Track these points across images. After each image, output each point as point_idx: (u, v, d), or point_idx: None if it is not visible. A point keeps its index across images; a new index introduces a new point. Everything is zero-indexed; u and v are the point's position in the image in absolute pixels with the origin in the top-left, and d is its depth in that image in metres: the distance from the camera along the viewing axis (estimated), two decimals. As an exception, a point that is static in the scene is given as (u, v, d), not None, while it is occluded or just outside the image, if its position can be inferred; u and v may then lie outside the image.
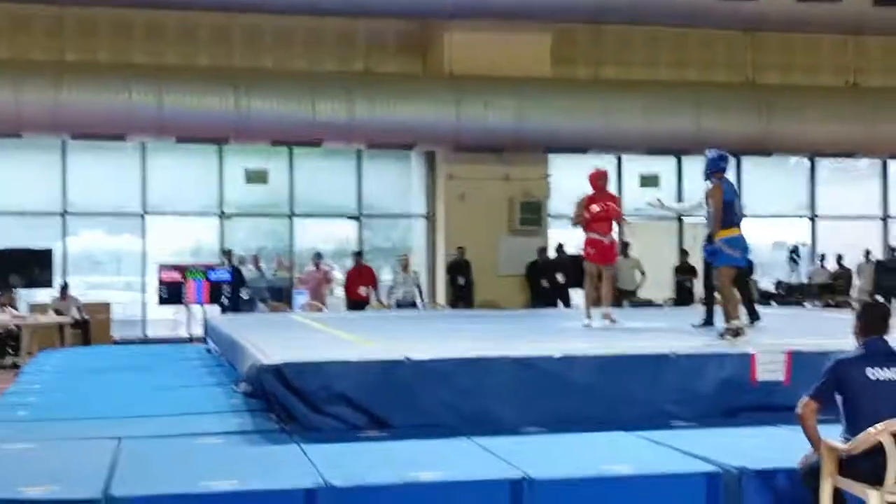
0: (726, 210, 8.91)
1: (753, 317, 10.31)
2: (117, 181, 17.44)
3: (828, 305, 17.21)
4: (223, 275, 16.39)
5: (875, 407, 5.03)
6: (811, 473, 5.23)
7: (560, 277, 16.87)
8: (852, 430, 5.08)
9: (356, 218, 18.13)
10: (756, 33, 17.84)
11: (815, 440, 5.20)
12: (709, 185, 9.09)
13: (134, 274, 17.81)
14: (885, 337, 5.33)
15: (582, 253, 10.54)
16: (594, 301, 10.52)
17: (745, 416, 7.34)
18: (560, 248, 17.27)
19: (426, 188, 17.98)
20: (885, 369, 5.13)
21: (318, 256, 17.14)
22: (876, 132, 17.48)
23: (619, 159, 18.49)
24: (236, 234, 18.11)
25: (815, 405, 5.20)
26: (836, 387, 5.18)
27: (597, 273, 10.42)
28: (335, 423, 6.94)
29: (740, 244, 8.98)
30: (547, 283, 16.76)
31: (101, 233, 18.08)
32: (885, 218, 19.71)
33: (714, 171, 9.10)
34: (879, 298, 5.52)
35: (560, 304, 16.95)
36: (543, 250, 17.14)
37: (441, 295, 17.25)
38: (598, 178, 10.39)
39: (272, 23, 16.86)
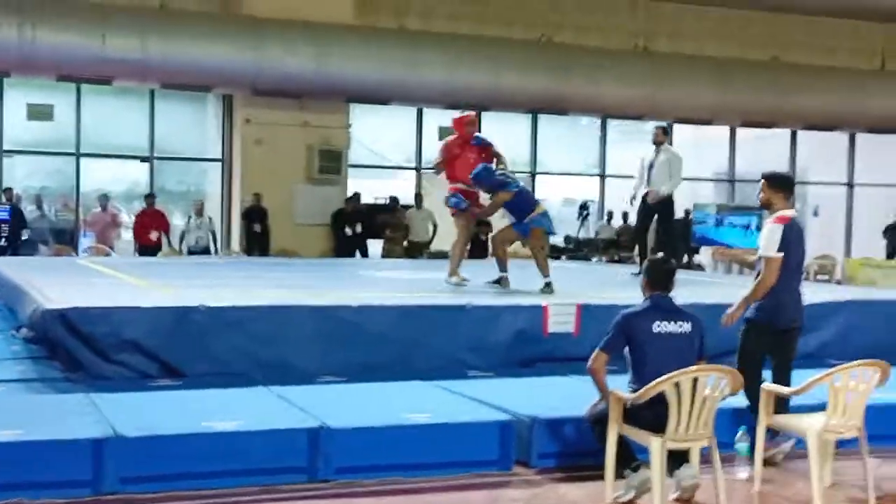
0: (523, 200, 9.17)
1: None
2: None
3: (613, 260, 17.93)
4: (2, 214, 15.49)
5: (660, 358, 5.28)
6: (598, 421, 5.46)
7: (359, 227, 16.88)
8: (638, 379, 5.33)
9: (148, 160, 17.48)
10: (554, -7, 18.26)
11: (604, 391, 5.42)
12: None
13: None
14: (670, 294, 5.59)
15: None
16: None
17: (538, 367, 7.59)
18: (356, 197, 17.26)
19: (222, 132, 17.51)
20: (670, 323, 5.40)
21: (104, 198, 16.47)
22: (662, 96, 18.17)
23: (420, 112, 18.58)
24: (16, 172, 17.13)
25: (605, 357, 5.42)
26: (624, 339, 5.41)
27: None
28: (125, 372, 6.76)
29: (548, 215, 9.42)
30: (350, 231, 16.72)
31: None
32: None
33: (490, 187, 9.14)
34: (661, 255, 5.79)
35: (358, 253, 16.98)
36: (350, 199, 17.07)
37: (236, 242, 16.91)
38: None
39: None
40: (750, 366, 6.03)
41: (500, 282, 9.33)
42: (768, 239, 6.04)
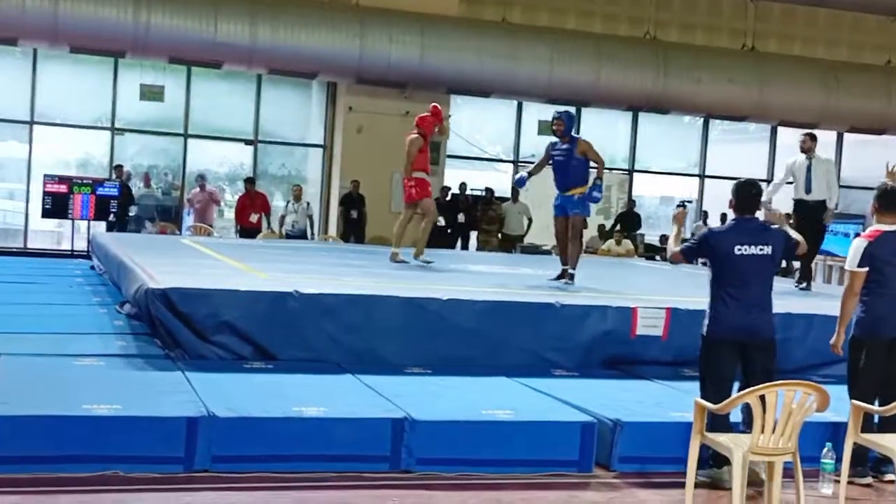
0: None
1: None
2: (5, 86, 16.83)
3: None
4: (111, 190, 15.98)
5: (739, 277, 5.71)
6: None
7: (461, 217, 17.02)
8: (716, 293, 5.79)
9: (252, 143, 17.88)
10: (661, -10, 18.07)
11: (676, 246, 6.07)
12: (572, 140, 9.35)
13: (18, 182, 17.29)
14: (756, 215, 5.89)
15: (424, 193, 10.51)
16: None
17: (622, 368, 7.58)
18: (463, 186, 17.44)
19: (325, 118, 17.81)
20: (752, 246, 5.70)
21: (201, 178, 16.87)
22: (768, 97, 17.88)
23: (520, 105, 18.60)
24: (127, 150, 17.69)
25: (681, 258, 6.09)
26: (702, 253, 5.89)
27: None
28: (221, 353, 6.94)
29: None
30: (444, 222, 16.86)
31: (-14, 138, 17.49)
32: (770, 181, 20.28)
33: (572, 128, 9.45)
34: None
35: (459, 243, 17.17)
36: (446, 189, 17.22)
37: (333, 227, 17.19)
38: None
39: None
40: (860, 386, 5.98)
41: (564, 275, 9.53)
42: (851, 254, 6.07)
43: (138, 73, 16.94)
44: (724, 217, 18.77)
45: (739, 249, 5.67)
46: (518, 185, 9.88)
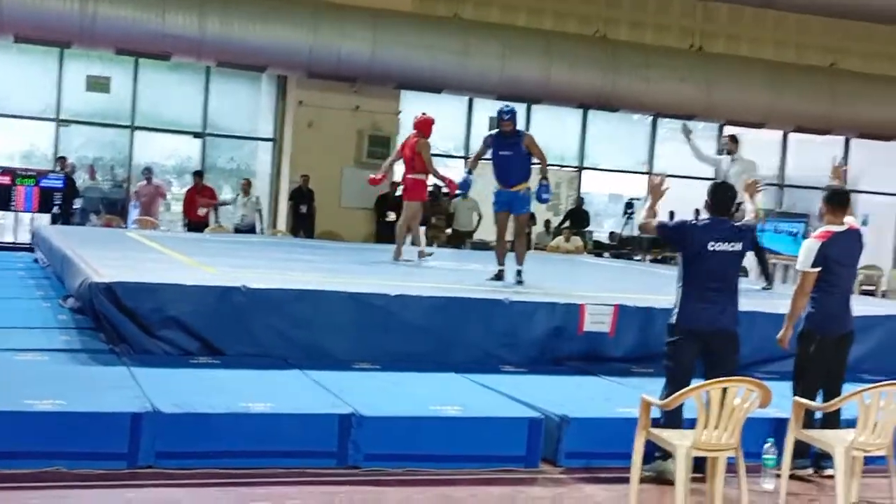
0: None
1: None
2: (-54, 76, 16.54)
3: (656, 260, 17.86)
4: (55, 182, 15.76)
5: (709, 271, 5.89)
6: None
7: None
8: (685, 284, 5.91)
9: (200, 136, 17.70)
10: (610, -12, 18.19)
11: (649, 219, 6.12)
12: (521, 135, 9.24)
13: (-41, 174, 16.97)
14: (728, 217, 6.09)
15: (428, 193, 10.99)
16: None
17: (570, 365, 7.62)
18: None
19: (275, 112, 17.69)
20: (725, 243, 5.90)
21: (147, 171, 16.67)
22: (715, 97, 18.05)
23: (471, 101, 18.61)
24: (72, 142, 17.43)
25: (653, 229, 6.17)
26: (675, 239, 6.12)
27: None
28: (166, 347, 6.89)
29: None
30: (394, 217, 16.80)
31: (-74, 129, 17.12)
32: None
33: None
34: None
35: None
36: (396, 184, 17.14)
37: (282, 222, 17.10)
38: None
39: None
40: (806, 380, 6.16)
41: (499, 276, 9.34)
42: (804, 254, 6.20)
43: (85, 63, 16.70)
44: (671, 214, 18.92)
45: (713, 246, 5.85)
46: (463, 188, 9.81)
